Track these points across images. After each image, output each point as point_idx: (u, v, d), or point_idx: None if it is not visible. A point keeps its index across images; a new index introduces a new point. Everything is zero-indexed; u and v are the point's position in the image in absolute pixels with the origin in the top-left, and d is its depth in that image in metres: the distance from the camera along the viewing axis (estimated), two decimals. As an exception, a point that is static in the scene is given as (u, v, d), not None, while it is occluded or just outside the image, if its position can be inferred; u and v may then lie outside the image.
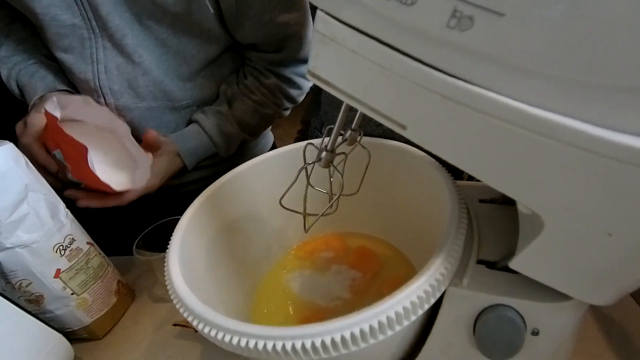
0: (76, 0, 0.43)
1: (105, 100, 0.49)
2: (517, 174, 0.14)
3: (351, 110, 0.22)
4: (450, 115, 0.14)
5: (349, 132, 0.25)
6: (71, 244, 0.38)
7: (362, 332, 0.16)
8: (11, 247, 0.34)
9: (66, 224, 0.38)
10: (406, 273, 0.34)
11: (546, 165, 0.13)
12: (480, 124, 0.13)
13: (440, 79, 0.13)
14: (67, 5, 0.43)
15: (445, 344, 0.20)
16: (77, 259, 0.39)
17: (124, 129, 0.43)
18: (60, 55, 0.46)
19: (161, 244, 0.45)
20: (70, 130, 0.38)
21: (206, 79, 0.53)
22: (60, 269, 0.37)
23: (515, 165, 0.13)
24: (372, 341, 0.16)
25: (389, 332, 0.16)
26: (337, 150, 0.25)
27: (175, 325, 0.40)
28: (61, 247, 0.37)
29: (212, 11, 0.46)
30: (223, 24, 0.49)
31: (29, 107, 0.45)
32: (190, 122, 0.55)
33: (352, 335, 0.16)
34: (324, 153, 0.23)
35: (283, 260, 0.39)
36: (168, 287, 0.23)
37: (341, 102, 0.42)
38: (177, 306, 0.21)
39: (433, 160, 0.27)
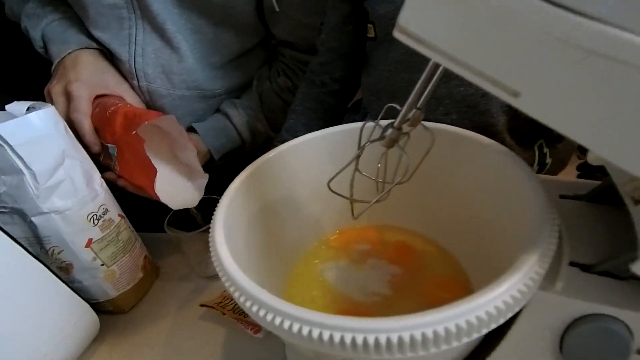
0: None
1: (138, 82, 0.48)
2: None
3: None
4: (593, 76, 0.11)
5: (414, 111, 0.23)
6: (104, 214, 0.38)
7: (447, 331, 0.13)
8: (47, 212, 0.33)
9: (100, 194, 0.38)
10: (454, 274, 0.31)
11: None
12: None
13: (586, 26, 0.10)
14: None
15: (521, 354, 0.18)
16: (109, 230, 0.38)
17: (192, 148, 0.41)
18: (97, 33, 0.46)
19: (189, 223, 0.44)
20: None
21: (236, 68, 0.53)
22: (92, 239, 0.37)
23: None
24: (454, 343, 0.14)
25: (475, 335, 0.14)
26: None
27: (202, 305, 0.39)
28: (94, 217, 0.37)
29: (253, 5, 0.45)
30: (261, 17, 0.48)
31: (56, 62, 0.43)
32: (217, 110, 0.54)
33: (436, 334, 0.13)
34: (389, 130, 0.21)
35: (316, 249, 0.37)
36: (215, 264, 0.21)
37: (393, 89, 0.39)
38: (227, 285, 0.19)
39: (506, 149, 0.24)
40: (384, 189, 0.28)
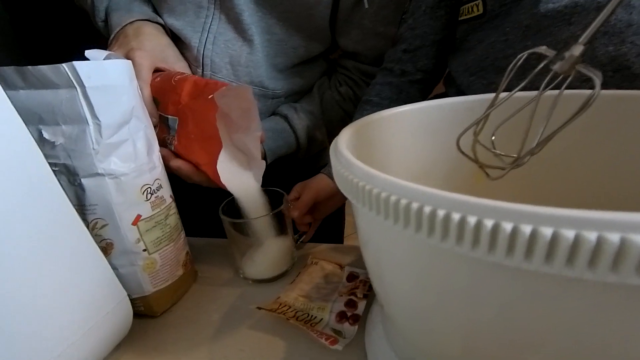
0: None
1: (202, 71, 0.47)
2: None
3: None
4: None
5: (581, 47, 0.19)
6: (158, 190, 0.33)
7: None
8: (101, 174, 0.29)
9: (157, 167, 0.34)
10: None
11: None
12: None
13: None
14: None
15: None
16: (159, 210, 0.33)
17: (258, 128, 0.37)
18: (171, 20, 0.46)
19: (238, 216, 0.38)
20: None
21: (297, 74, 0.52)
22: (140, 216, 0.31)
23: None
24: None
25: None
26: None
27: (259, 308, 0.32)
28: (148, 190, 0.32)
29: (329, 9, 0.45)
30: (332, 27, 0.49)
31: (116, 30, 0.42)
32: (274, 112, 0.52)
33: None
34: (573, 48, 0.17)
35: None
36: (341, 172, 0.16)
37: (507, 61, 0.34)
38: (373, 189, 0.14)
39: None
40: (520, 155, 0.23)
